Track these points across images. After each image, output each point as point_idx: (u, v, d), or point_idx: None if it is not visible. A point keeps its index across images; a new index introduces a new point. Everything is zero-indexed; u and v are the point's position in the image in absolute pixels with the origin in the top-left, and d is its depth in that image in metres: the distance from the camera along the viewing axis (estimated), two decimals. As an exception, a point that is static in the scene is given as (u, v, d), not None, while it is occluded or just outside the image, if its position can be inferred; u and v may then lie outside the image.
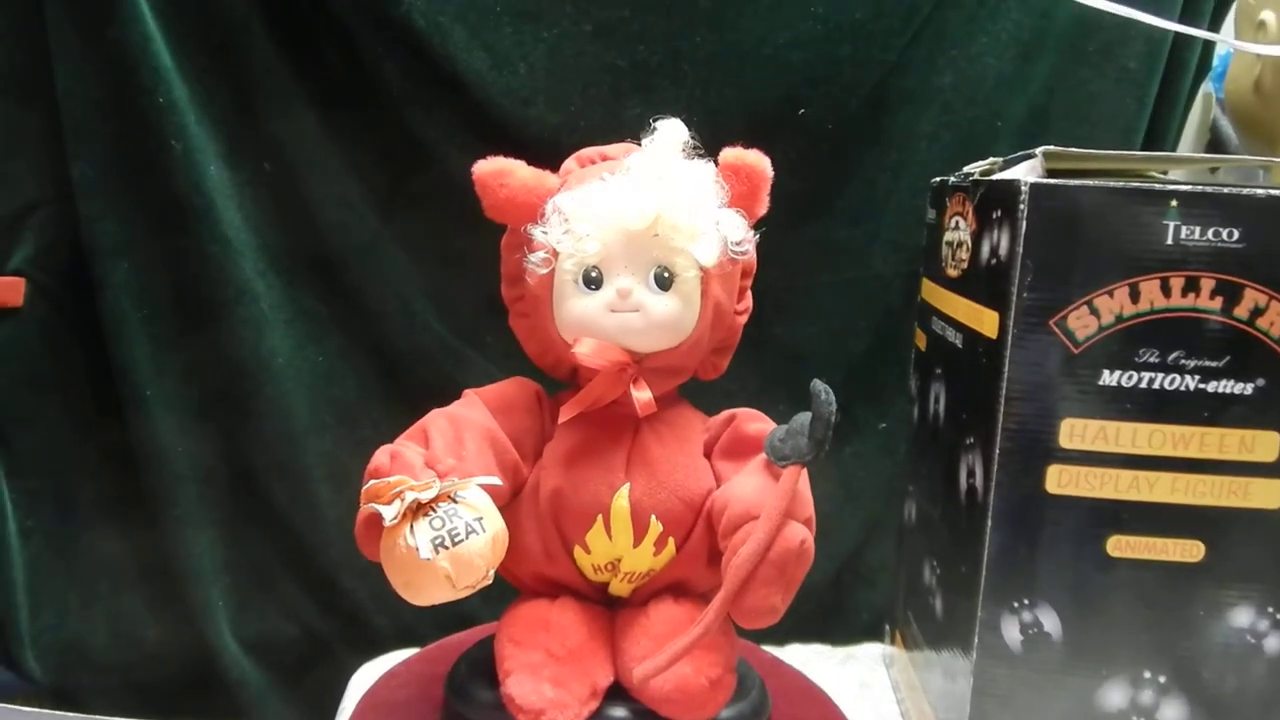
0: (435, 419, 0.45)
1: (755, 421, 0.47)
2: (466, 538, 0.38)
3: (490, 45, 0.62)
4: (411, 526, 0.38)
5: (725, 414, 0.48)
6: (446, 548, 0.37)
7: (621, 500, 0.45)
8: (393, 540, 0.38)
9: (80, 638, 0.66)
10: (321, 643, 0.70)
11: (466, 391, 0.47)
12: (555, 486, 0.45)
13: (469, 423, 0.44)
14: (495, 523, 0.39)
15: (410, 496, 0.38)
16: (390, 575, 0.39)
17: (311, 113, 0.64)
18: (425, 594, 0.38)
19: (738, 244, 0.45)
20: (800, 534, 0.41)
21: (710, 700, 0.44)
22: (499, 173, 0.45)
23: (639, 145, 0.45)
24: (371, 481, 0.39)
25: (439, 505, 0.38)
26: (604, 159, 0.47)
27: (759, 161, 0.45)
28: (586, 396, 0.45)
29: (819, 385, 0.42)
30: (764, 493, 0.42)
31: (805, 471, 0.42)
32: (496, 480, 0.42)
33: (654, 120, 0.45)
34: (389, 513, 0.38)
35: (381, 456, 0.42)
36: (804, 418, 0.42)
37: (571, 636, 0.45)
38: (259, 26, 0.62)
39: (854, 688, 0.63)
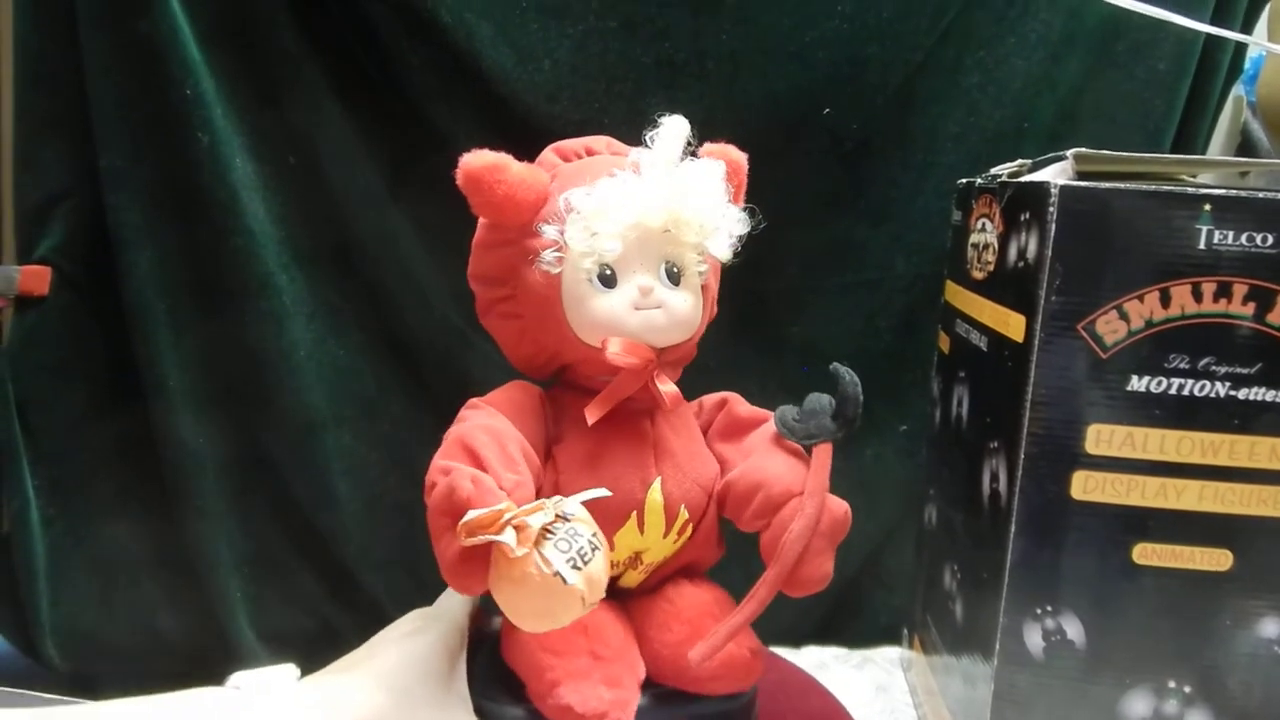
0: (475, 435, 0.41)
1: (745, 403, 0.50)
2: (593, 555, 0.36)
3: (515, 41, 0.62)
4: (540, 553, 0.35)
5: (714, 398, 0.51)
6: (579, 569, 0.35)
7: (655, 494, 0.45)
8: (523, 570, 0.35)
9: (99, 626, 0.67)
10: (338, 635, 0.70)
11: (475, 401, 0.45)
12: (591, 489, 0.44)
13: (508, 435, 0.43)
14: (602, 535, 0.38)
15: (536, 521, 0.36)
16: (518, 604, 0.36)
17: (337, 107, 0.64)
18: (560, 619, 0.36)
19: (739, 237, 0.46)
20: (843, 505, 0.45)
21: (753, 670, 0.46)
22: (495, 168, 0.43)
23: (616, 140, 0.47)
24: (472, 513, 0.36)
25: (555, 526, 0.36)
26: (590, 152, 0.47)
27: (740, 156, 0.47)
28: (612, 395, 0.45)
29: (840, 367, 0.44)
30: (798, 471, 0.45)
31: None
32: (605, 491, 0.40)
33: (656, 117, 0.44)
34: (513, 540, 0.35)
35: (463, 483, 0.38)
36: (822, 399, 0.45)
37: (611, 636, 0.45)
38: (286, 20, 0.62)
39: (870, 691, 0.63)
